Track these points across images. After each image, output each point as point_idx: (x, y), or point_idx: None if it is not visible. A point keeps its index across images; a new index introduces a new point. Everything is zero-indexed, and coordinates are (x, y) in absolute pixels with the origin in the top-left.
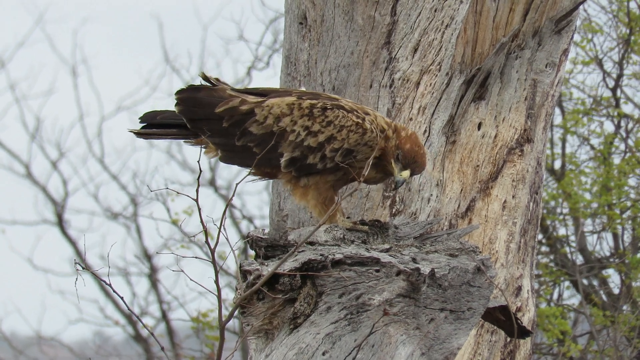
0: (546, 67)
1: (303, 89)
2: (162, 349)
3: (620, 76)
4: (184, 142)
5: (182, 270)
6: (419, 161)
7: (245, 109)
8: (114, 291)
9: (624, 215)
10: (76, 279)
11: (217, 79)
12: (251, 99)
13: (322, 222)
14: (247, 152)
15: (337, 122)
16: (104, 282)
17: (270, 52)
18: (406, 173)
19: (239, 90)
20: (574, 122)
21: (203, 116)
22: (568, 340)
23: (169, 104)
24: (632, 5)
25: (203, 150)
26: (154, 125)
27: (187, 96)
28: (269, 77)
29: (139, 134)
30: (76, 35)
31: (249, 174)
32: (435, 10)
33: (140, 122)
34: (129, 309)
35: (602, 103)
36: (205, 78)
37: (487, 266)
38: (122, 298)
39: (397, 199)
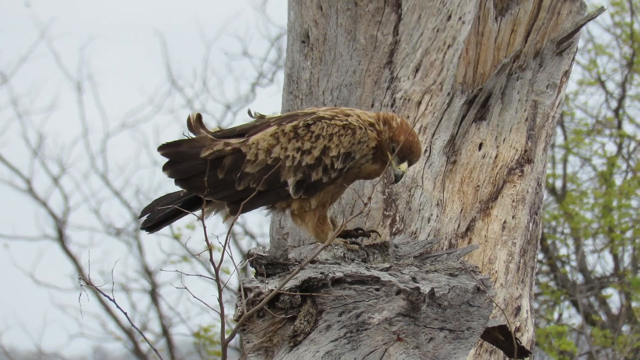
0: (547, 88)
1: (270, 114)
2: None
3: (622, 97)
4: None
5: (186, 288)
6: (415, 151)
7: (230, 149)
8: (118, 307)
9: (625, 236)
10: (80, 294)
11: (198, 124)
12: (234, 141)
13: (327, 243)
14: (252, 195)
15: (325, 132)
16: (108, 297)
17: (274, 68)
18: (404, 166)
19: (220, 135)
20: (575, 142)
21: (194, 171)
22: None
23: (171, 122)
24: (636, 26)
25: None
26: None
27: (170, 152)
28: (273, 94)
29: (150, 228)
30: (82, 52)
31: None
32: (437, 31)
33: (140, 217)
34: (132, 325)
35: (605, 124)
36: (190, 124)
37: (486, 286)
38: (125, 314)
39: (398, 218)
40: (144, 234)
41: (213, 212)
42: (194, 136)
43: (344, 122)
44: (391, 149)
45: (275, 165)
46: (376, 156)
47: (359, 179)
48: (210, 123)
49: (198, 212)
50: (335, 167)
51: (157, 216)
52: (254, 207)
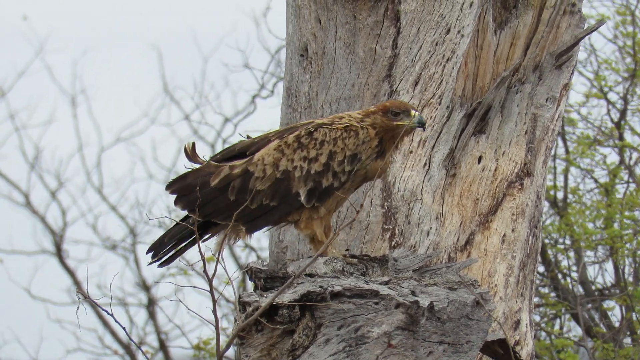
0: (546, 101)
1: (257, 134)
2: None
3: (625, 109)
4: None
5: (181, 301)
6: (405, 103)
7: (239, 171)
8: (116, 321)
9: (627, 247)
10: (77, 307)
11: (194, 152)
12: (238, 162)
13: (320, 251)
14: (266, 211)
15: (328, 138)
16: (106, 311)
17: (275, 80)
18: (413, 113)
19: (220, 159)
20: (578, 152)
21: (205, 199)
22: None
23: (168, 136)
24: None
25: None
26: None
27: (179, 187)
28: (273, 106)
29: (161, 263)
30: (76, 66)
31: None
32: (436, 44)
33: (148, 252)
34: (129, 338)
35: (607, 133)
36: (188, 154)
37: (485, 300)
38: (124, 328)
39: (397, 231)
40: (142, 249)
41: (226, 240)
42: (196, 166)
43: (345, 125)
44: (393, 115)
45: (284, 178)
46: (379, 152)
47: (367, 180)
48: (209, 135)
49: (207, 239)
50: (344, 171)
51: (165, 249)
52: (268, 222)
